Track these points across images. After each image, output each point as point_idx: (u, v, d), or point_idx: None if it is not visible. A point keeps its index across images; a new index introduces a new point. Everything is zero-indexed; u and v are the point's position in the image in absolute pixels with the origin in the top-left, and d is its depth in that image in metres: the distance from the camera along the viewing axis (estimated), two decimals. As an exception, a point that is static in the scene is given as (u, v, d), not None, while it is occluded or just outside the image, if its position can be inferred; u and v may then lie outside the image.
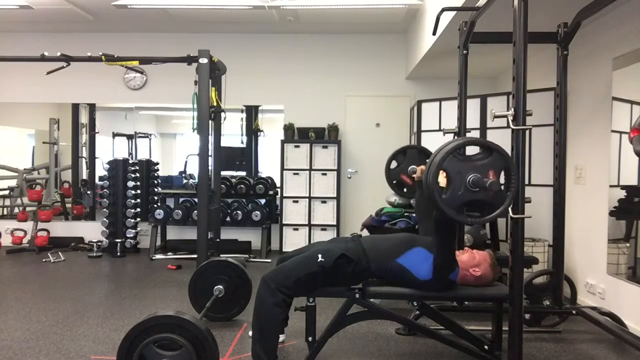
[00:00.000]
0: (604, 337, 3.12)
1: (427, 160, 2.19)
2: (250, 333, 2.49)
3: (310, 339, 2.46)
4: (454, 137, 3.31)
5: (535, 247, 3.90)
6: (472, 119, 4.38)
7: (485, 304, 2.98)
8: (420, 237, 2.58)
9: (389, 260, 2.42)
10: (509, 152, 2.04)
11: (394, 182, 3.27)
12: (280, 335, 2.92)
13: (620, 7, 3.35)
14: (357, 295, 2.45)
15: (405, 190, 3.31)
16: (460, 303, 2.86)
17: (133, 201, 5.78)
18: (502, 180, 2.05)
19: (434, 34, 3.28)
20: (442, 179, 2.05)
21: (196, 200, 5.37)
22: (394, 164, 3.31)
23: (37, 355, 2.76)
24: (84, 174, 6.58)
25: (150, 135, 6.59)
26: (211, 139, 3.92)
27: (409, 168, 3.17)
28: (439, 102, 4.88)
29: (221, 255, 3.93)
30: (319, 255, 2.40)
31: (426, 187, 2.10)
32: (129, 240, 5.76)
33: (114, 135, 6.56)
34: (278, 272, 2.42)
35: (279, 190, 5.96)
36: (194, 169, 5.98)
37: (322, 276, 2.40)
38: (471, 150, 2.22)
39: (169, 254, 5.76)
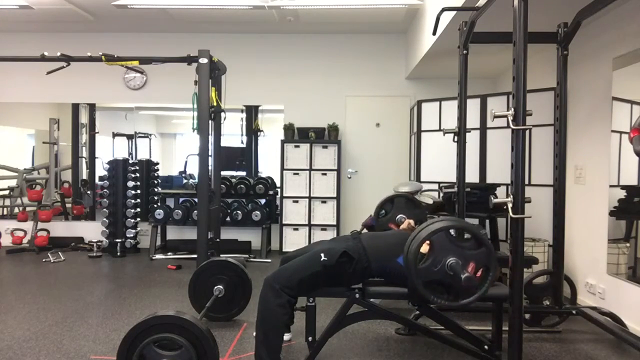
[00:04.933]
0: (604, 337, 3.12)
1: (416, 229, 2.27)
2: (254, 334, 2.49)
3: (310, 339, 2.47)
4: (454, 137, 3.31)
5: (535, 247, 3.90)
6: (472, 119, 4.39)
7: (485, 304, 2.97)
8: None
9: (389, 260, 2.43)
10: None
11: (383, 230, 3.34)
12: (287, 334, 2.93)
13: (620, 7, 3.35)
14: (357, 295, 2.46)
15: None
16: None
17: (133, 201, 5.79)
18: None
19: (434, 34, 3.29)
20: (425, 248, 2.16)
21: (196, 200, 5.38)
22: (382, 213, 3.42)
23: (37, 355, 2.76)
24: (84, 174, 6.58)
25: (150, 135, 6.59)
26: (211, 139, 3.92)
27: (397, 217, 3.30)
28: (439, 102, 4.89)
29: (221, 255, 3.93)
30: (322, 255, 2.41)
31: (406, 253, 2.18)
32: (129, 240, 5.77)
33: (114, 135, 6.56)
34: (281, 273, 2.42)
35: (279, 190, 5.97)
36: (194, 169, 5.98)
37: (325, 276, 2.41)
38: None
39: (169, 254, 5.76)
